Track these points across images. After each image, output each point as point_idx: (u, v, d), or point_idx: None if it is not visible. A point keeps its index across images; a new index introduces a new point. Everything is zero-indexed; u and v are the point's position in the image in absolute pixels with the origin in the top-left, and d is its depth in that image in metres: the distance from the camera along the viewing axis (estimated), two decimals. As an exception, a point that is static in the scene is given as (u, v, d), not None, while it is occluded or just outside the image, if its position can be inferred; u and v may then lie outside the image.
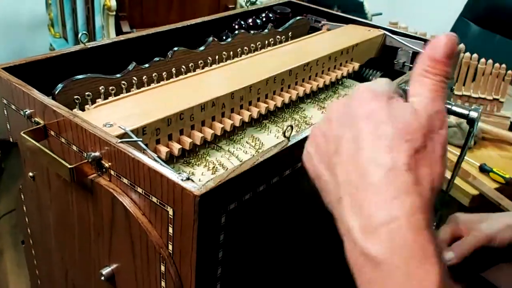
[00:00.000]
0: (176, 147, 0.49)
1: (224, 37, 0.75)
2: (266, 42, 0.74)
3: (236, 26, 0.77)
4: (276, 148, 0.44)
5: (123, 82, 0.57)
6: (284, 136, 0.45)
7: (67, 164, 0.43)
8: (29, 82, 0.54)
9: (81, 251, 0.53)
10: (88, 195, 0.46)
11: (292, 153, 0.45)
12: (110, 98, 0.53)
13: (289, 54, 0.68)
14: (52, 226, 0.57)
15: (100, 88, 0.55)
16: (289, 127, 0.44)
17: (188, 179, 0.38)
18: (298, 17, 0.83)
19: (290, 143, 0.45)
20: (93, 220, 0.48)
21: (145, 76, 0.59)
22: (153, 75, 0.60)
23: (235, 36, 0.71)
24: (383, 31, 0.78)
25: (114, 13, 1.46)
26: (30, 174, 0.55)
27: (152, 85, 0.56)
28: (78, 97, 0.53)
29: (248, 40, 0.72)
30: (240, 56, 0.70)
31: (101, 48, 0.63)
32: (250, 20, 0.79)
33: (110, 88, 0.56)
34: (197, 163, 0.51)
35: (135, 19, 1.55)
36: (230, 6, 1.71)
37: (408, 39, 0.76)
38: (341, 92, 0.71)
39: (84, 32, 0.60)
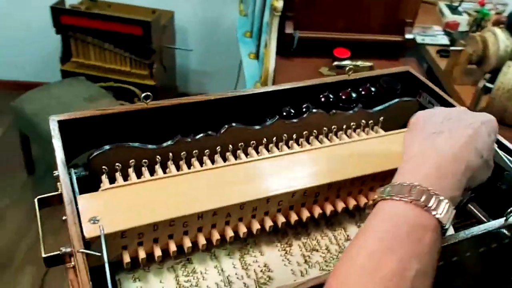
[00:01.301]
0: (157, 254, 0.49)
1: (304, 109, 0.70)
2: (345, 126, 0.67)
3: (322, 99, 0.71)
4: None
5: (157, 156, 0.58)
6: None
7: (42, 252, 0.47)
8: (82, 136, 0.59)
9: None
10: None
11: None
12: (121, 182, 0.54)
13: (352, 156, 0.60)
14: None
15: (130, 161, 0.57)
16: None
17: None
18: (405, 98, 0.72)
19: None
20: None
21: (184, 152, 0.59)
22: (194, 152, 0.59)
23: (307, 116, 0.66)
24: (495, 147, 0.63)
25: (279, 13, 1.46)
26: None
27: (168, 174, 0.56)
28: (106, 167, 0.56)
29: (323, 121, 0.66)
30: (308, 140, 0.65)
31: (162, 109, 0.64)
32: (342, 93, 0.72)
33: (143, 160, 0.57)
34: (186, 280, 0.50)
35: (301, 21, 1.53)
36: (408, 21, 1.56)
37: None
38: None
39: (147, 93, 0.62)
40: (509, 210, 0.52)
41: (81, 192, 0.54)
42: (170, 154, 0.58)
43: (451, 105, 0.71)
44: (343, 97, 0.72)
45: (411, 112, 0.72)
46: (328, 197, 0.57)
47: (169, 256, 0.51)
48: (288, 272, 0.52)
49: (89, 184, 0.56)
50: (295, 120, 0.65)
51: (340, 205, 0.57)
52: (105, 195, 0.52)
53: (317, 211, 0.56)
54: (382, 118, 0.69)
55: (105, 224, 0.47)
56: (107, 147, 0.58)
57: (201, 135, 0.61)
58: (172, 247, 0.50)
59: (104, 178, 0.56)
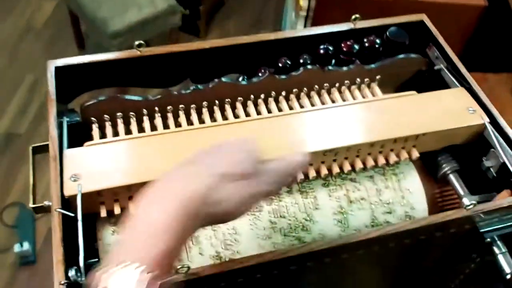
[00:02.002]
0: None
1: (302, 61, 0.69)
2: (337, 84, 0.66)
3: (322, 51, 0.69)
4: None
5: (144, 109, 0.61)
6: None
7: (31, 201, 0.54)
8: (79, 81, 0.63)
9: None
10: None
11: None
12: (108, 137, 0.58)
13: (335, 125, 0.60)
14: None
15: (118, 114, 0.60)
16: (186, 267, 0.46)
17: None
18: (411, 54, 0.69)
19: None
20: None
21: (170, 106, 0.62)
22: (180, 106, 0.62)
23: (300, 72, 0.65)
24: (484, 121, 0.62)
25: (305, 13, 1.38)
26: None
27: (147, 133, 0.59)
28: (95, 118, 0.60)
29: (317, 78, 0.66)
30: (298, 97, 0.65)
31: (157, 58, 0.65)
32: (343, 44, 0.69)
33: (131, 113, 0.61)
34: None
35: None
36: None
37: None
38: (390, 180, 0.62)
39: (141, 41, 0.63)
40: (469, 203, 0.53)
41: (74, 138, 0.59)
42: (156, 108, 0.61)
43: (456, 66, 0.68)
44: (344, 49, 0.69)
45: (415, 70, 0.70)
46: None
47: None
48: (253, 235, 0.57)
49: (82, 131, 0.61)
50: (284, 77, 0.65)
51: (311, 174, 0.59)
52: (89, 151, 0.56)
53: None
54: (379, 76, 0.67)
55: (84, 182, 0.52)
56: (102, 97, 0.61)
57: (189, 89, 0.63)
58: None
59: (94, 128, 0.60)
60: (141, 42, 0.63)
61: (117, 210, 0.54)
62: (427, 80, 0.71)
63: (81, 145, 0.57)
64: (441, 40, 0.70)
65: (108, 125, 0.60)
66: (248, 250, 0.57)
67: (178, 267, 0.46)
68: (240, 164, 0.43)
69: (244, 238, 0.57)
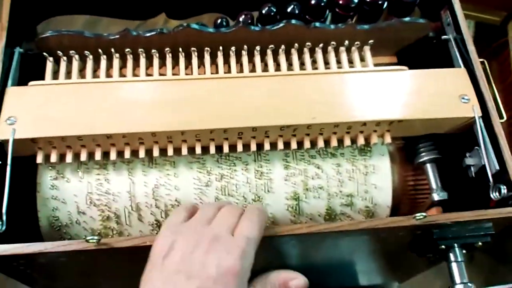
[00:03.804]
0: (68, 160, 0.52)
1: (289, 10, 0.60)
2: (321, 44, 0.58)
3: (313, 2, 0.60)
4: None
5: (99, 49, 0.56)
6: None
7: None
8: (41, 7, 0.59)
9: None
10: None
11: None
12: (53, 81, 0.54)
13: (298, 93, 0.54)
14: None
15: (71, 52, 0.56)
16: (96, 238, 0.45)
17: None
18: (419, 19, 0.59)
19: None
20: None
21: (128, 49, 0.57)
22: (140, 50, 0.57)
23: (279, 27, 0.57)
24: (475, 115, 0.53)
25: None
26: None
27: (106, 79, 0.55)
28: (50, 54, 0.56)
29: (297, 34, 0.58)
30: (277, 53, 0.58)
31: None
32: (342, -4, 0.60)
33: (85, 52, 0.57)
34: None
35: None
36: None
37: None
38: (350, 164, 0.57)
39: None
40: (419, 214, 0.48)
41: (29, 71, 0.57)
42: (112, 49, 0.56)
43: (462, 37, 0.58)
44: (340, 1, 0.61)
45: (419, 36, 0.62)
46: (255, 136, 0.54)
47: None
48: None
49: (40, 63, 0.58)
50: (257, 29, 0.57)
51: (266, 146, 0.54)
52: (33, 91, 0.53)
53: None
54: (372, 40, 0.59)
55: (19, 126, 0.50)
56: (63, 32, 0.56)
57: (152, 32, 0.57)
58: (83, 157, 0.53)
59: (48, 64, 0.57)
60: (108, -29, 0.57)
61: (53, 157, 0.52)
62: (432, 49, 0.62)
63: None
64: (456, 5, 0.59)
65: (63, 63, 0.57)
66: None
67: (88, 238, 0.45)
68: None
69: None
